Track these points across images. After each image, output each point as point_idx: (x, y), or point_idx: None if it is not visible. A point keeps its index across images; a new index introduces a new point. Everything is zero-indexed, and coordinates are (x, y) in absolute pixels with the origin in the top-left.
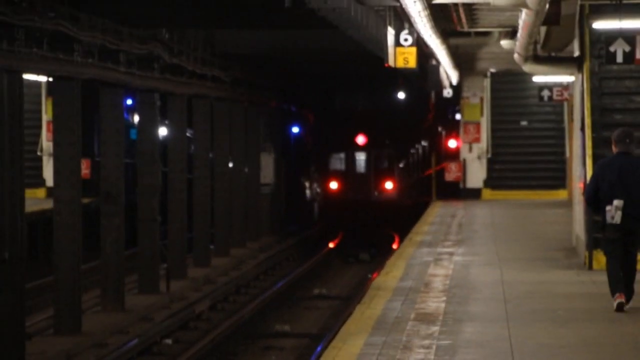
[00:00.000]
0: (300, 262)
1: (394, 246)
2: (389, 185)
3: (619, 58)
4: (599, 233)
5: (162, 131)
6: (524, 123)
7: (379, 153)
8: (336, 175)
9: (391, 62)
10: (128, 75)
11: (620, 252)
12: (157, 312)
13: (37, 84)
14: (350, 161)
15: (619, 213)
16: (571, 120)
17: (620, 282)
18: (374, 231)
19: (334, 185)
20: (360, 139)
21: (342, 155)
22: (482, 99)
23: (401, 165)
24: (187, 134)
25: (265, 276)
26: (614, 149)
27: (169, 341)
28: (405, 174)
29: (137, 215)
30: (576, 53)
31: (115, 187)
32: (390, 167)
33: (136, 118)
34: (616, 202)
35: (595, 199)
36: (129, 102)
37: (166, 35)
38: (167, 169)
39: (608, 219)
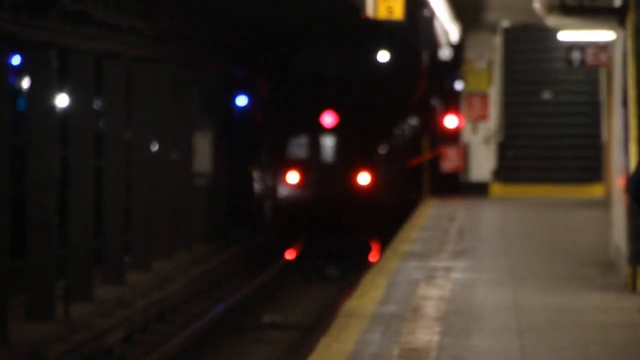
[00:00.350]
0: (246, 279)
1: (372, 259)
2: (364, 178)
3: None
4: None
5: (61, 101)
6: (546, 95)
7: (352, 136)
8: (296, 164)
9: (370, 13)
10: (14, 24)
11: None
12: (52, 346)
13: None
14: (315, 146)
15: None
16: (610, 92)
17: None
18: (345, 238)
19: (292, 177)
20: (328, 119)
21: (304, 138)
22: (490, 63)
23: (382, 151)
24: (95, 106)
25: (200, 298)
26: None
27: None
28: (386, 164)
29: (25, 215)
30: (617, 2)
31: None
32: (367, 155)
33: (25, 83)
34: None
35: None
36: (16, 61)
37: None
38: (68, 153)
39: None
